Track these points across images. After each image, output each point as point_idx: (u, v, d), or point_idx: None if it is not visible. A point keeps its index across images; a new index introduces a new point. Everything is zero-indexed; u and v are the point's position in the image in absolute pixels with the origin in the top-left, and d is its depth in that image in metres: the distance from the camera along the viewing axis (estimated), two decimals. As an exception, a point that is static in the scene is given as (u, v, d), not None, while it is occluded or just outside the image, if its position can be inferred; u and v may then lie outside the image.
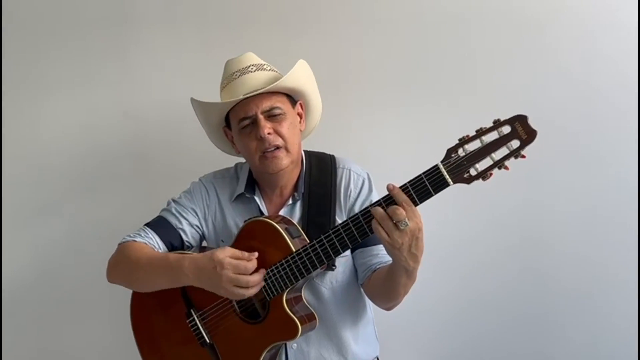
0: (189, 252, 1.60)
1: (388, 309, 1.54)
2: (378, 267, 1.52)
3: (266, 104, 1.50)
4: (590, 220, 1.96)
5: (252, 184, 1.64)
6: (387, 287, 1.45)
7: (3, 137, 2.11)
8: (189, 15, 2.07)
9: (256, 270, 1.41)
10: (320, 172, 1.62)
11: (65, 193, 2.11)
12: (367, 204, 1.58)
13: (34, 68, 2.10)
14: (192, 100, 1.59)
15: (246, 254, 1.41)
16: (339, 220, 1.57)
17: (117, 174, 2.09)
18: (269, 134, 1.49)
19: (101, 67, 2.09)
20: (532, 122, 1.21)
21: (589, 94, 1.94)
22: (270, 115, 1.51)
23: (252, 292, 1.40)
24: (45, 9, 2.09)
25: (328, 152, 1.69)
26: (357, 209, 1.57)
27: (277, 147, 1.51)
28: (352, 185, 1.59)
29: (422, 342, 2.03)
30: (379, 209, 1.29)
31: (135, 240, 1.58)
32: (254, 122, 1.51)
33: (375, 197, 1.60)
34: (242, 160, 1.69)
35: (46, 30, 2.09)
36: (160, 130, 2.07)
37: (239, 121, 1.52)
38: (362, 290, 1.62)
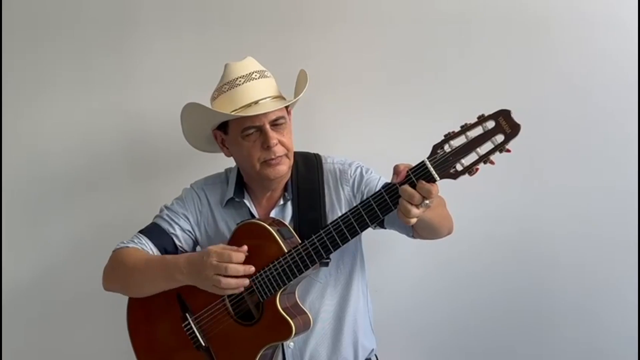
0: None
1: (450, 234, 1.55)
2: None
3: (273, 115, 1.52)
4: (590, 220, 1.95)
5: (241, 188, 1.65)
6: (429, 228, 1.45)
7: (3, 137, 2.11)
8: (189, 16, 2.05)
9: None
10: (307, 169, 1.64)
11: (66, 193, 2.10)
12: (369, 180, 1.58)
13: (34, 68, 2.09)
14: (195, 105, 1.54)
15: (235, 247, 1.43)
16: (330, 215, 1.58)
17: (117, 174, 2.09)
18: (275, 144, 1.51)
19: (101, 67, 2.07)
20: (516, 116, 1.22)
21: (589, 94, 1.93)
22: (275, 125, 1.53)
23: (232, 283, 1.39)
24: (45, 8, 2.08)
25: (322, 151, 1.70)
26: (365, 188, 1.58)
27: (280, 156, 1.53)
28: (341, 177, 1.61)
29: (420, 335, 2.02)
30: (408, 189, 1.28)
31: (128, 247, 1.60)
32: (260, 131, 1.52)
33: (371, 172, 1.61)
34: (232, 164, 1.70)
35: (46, 30, 2.08)
36: (160, 130, 2.05)
37: (243, 129, 1.52)
38: (361, 280, 1.63)
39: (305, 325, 1.51)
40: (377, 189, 1.52)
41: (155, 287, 1.55)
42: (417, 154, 1.93)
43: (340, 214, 1.56)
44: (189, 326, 1.55)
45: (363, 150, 1.94)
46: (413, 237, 1.53)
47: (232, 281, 1.40)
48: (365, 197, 1.55)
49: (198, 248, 1.70)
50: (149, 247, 1.61)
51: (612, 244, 1.94)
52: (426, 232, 1.48)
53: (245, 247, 1.43)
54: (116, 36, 2.08)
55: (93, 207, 2.10)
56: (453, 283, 2.00)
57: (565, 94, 1.93)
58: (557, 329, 1.99)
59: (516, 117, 1.22)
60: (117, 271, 1.60)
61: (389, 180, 1.55)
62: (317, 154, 1.69)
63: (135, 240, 1.62)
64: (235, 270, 1.40)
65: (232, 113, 1.51)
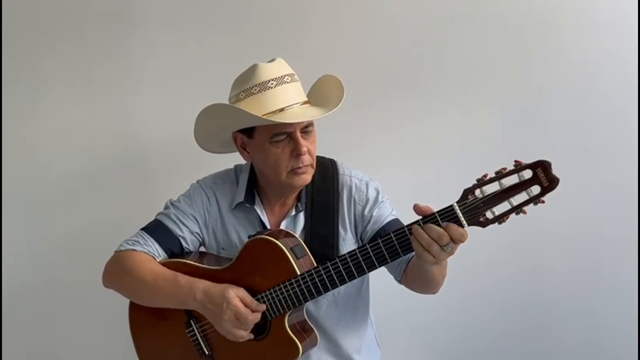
0: (188, 260, 1.56)
1: (434, 294, 1.51)
2: (411, 258, 1.46)
3: (305, 122, 1.44)
4: (590, 221, 1.97)
5: (252, 192, 1.58)
6: (425, 281, 1.42)
7: (3, 137, 2.07)
8: (189, 15, 2.01)
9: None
10: (323, 179, 1.57)
11: (66, 193, 2.09)
12: (381, 208, 1.54)
13: (34, 67, 2.05)
14: (225, 106, 1.45)
15: (255, 304, 1.41)
16: (342, 231, 1.54)
17: (117, 174, 2.08)
18: (305, 152, 1.44)
19: (101, 66, 2.05)
20: (555, 170, 1.16)
21: (590, 94, 1.93)
22: (304, 132, 1.45)
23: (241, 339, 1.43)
24: (46, 8, 2.03)
25: (328, 153, 1.64)
26: (375, 214, 1.53)
27: (307, 165, 1.46)
28: (355, 194, 1.55)
29: (424, 347, 2.05)
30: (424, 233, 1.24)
31: (135, 250, 1.54)
32: (290, 137, 1.44)
33: (386, 203, 1.56)
34: (241, 161, 1.62)
35: (46, 30, 2.04)
36: (160, 130, 2.04)
37: (273, 135, 1.43)
38: (366, 296, 1.63)
39: (312, 343, 1.50)
40: (385, 222, 1.50)
41: (162, 304, 1.52)
42: (420, 155, 1.99)
43: (349, 231, 1.55)
44: (192, 333, 1.53)
45: (367, 151, 1.97)
46: (400, 282, 1.51)
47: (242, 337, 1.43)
48: (370, 221, 1.53)
49: (202, 248, 1.65)
50: (155, 249, 1.55)
51: (612, 244, 1.97)
52: (420, 282, 1.44)
53: (263, 306, 1.42)
54: (118, 38, 2.05)
55: (93, 208, 2.09)
56: (455, 286, 1.99)
57: (565, 94, 1.94)
58: (558, 330, 2.02)
59: (556, 170, 1.16)
60: (120, 277, 1.54)
61: (396, 212, 1.55)
62: (333, 160, 1.62)
63: (141, 241, 1.55)
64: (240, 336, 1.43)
65: (266, 117, 1.41)
